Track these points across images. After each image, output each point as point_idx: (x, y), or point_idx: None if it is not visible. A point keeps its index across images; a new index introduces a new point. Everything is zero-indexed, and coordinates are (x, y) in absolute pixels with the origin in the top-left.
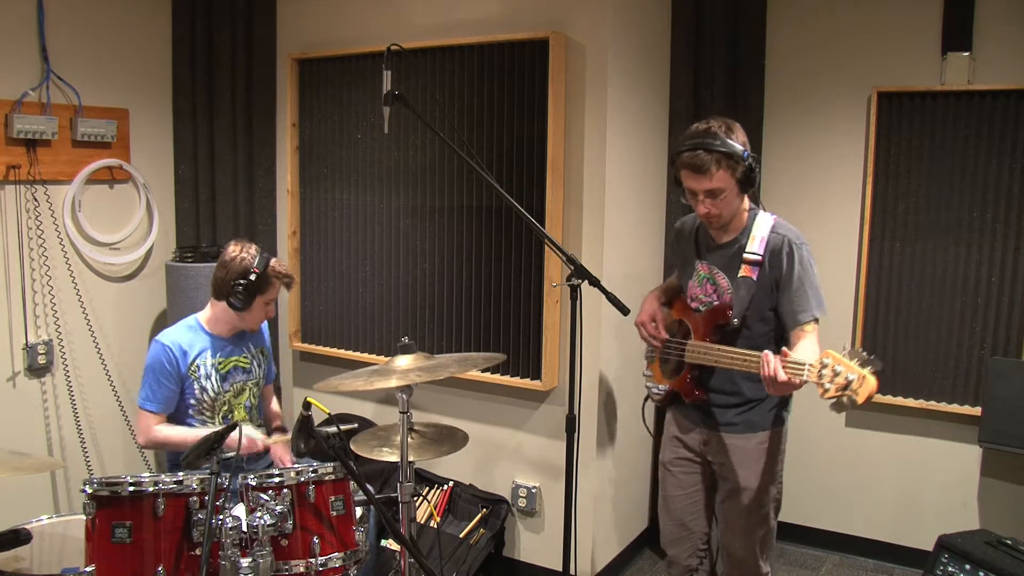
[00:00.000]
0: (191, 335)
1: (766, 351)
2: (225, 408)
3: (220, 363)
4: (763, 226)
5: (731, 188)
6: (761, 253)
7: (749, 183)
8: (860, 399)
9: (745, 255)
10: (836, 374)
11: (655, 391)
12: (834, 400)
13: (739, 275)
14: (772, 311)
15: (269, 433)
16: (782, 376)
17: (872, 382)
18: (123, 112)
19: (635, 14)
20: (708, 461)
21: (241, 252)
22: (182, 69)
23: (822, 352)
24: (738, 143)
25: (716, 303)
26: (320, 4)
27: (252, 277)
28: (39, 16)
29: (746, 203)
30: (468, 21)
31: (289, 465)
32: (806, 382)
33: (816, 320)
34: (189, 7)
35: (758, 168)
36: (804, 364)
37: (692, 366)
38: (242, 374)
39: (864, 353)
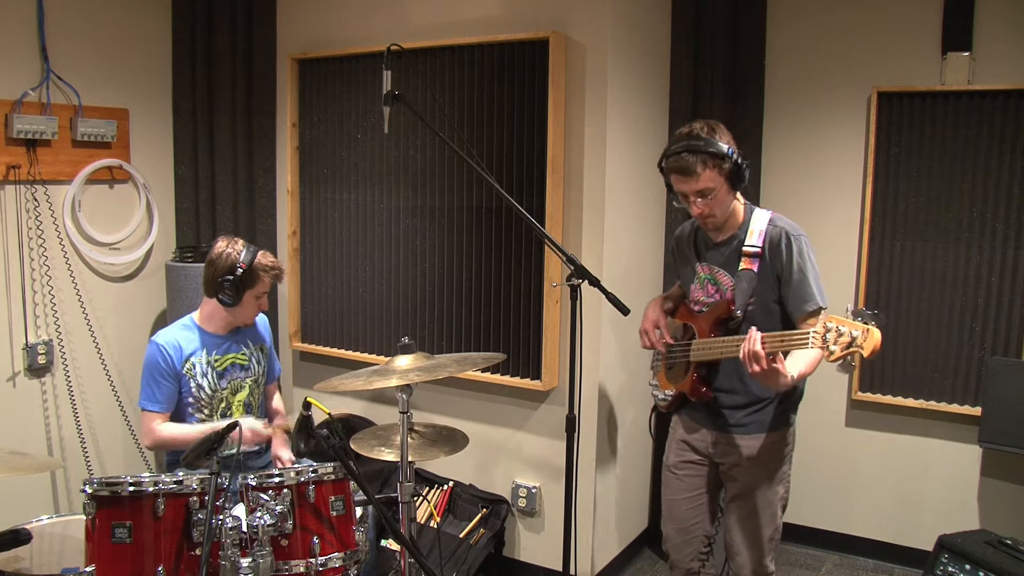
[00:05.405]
0: (186, 333)
1: (752, 327)
2: (223, 405)
3: (216, 360)
4: (761, 220)
5: (720, 186)
6: (760, 245)
7: (739, 179)
8: (866, 353)
9: (744, 248)
10: (840, 335)
11: (661, 398)
12: (840, 361)
13: (740, 268)
14: (776, 303)
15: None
16: (758, 347)
17: (876, 334)
18: (123, 112)
19: (635, 14)
20: (715, 463)
21: (227, 248)
22: (182, 69)
23: (825, 318)
24: (722, 142)
25: (718, 300)
26: (320, 4)
27: (239, 272)
28: (39, 16)
29: (741, 201)
30: (468, 21)
31: (286, 462)
32: (815, 348)
33: (821, 309)
34: (189, 7)
35: (746, 164)
36: (808, 332)
37: (698, 365)
38: (240, 371)
39: (867, 311)
